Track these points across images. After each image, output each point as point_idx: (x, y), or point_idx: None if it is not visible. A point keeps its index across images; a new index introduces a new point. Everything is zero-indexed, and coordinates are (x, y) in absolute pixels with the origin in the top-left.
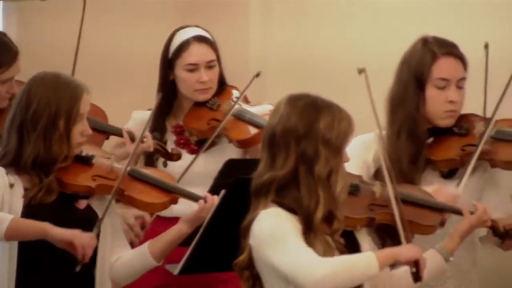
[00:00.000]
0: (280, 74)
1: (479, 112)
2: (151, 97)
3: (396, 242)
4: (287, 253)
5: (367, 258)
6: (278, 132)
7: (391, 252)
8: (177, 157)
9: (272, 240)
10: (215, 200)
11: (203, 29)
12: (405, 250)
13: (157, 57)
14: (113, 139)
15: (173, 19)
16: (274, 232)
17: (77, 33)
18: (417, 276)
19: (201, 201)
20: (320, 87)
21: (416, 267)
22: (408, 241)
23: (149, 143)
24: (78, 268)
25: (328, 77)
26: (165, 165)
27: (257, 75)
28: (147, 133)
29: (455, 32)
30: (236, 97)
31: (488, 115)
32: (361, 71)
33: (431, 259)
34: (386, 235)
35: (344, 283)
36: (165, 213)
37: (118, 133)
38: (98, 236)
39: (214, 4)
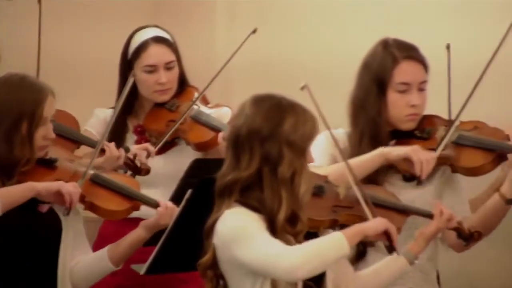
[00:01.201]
0: (246, 76)
1: (444, 113)
2: (113, 98)
3: (359, 243)
4: (254, 248)
5: (336, 239)
6: (242, 133)
7: (358, 228)
8: (146, 172)
9: (237, 237)
10: (175, 209)
11: (162, 29)
12: (372, 224)
13: (118, 57)
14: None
15: (139, 20)
16: (239, 229)
17: (42, 34)
18: (390, 248)
19: (160, 209)
20: (285, 89)
21: (387, 239)
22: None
23: (121, 156)
24: (66, 213)
25: (293, 78)
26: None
27: (254, 31)
28: (112, 145)
29: (417, 34)
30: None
31: (453, 115)
32: (303, 87)
33: (396, 261)
34: None
35: (316, 268)
36: None
37: (90, 143)
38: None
39: (180, 6)
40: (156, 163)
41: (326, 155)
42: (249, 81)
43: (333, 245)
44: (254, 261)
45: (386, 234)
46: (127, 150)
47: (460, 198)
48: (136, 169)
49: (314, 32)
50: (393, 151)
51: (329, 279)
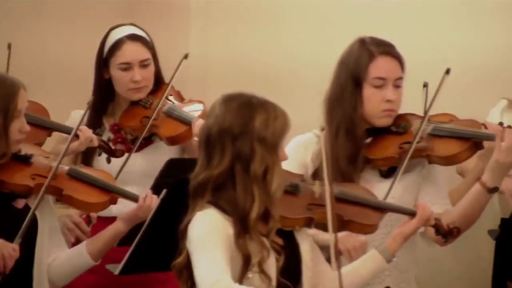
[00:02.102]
0: (221, 76)
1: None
2: (88, 97)
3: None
4: (201, 262)
5: None
6: (213, 132)
7: None
8: (121, 153)
9: (197, 245)
10: (154, 199)
11: (138, 27)
12: None
13: (93, 56)
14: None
15: (112, 20)
16: (200, 237)
17: (14, 32)
18: None
19: (140, 200)
20: (259, 89)
21: None
22: (336, 240)
23: (93, 138)
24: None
25: (267, 79)
26: (108, 161)
27: (186, 56)
28: (85, 128)
29: (393, 35)
30: (170, 94)
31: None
32: (323, 129)
33: (373, 259)
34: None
35: None
36: (104, 212)
37: (62, 129)
38: (21, 245)
39: (155, 6)
40: (133, 161)
41: (294, 165)
42: (225, 80)
43: None
44: (196, 273)
45: None
46: (99, 134)
47: (441, 192)
48: (111, 151)
49: (289, 32)
50: (321, 235)
51: (306, 277)
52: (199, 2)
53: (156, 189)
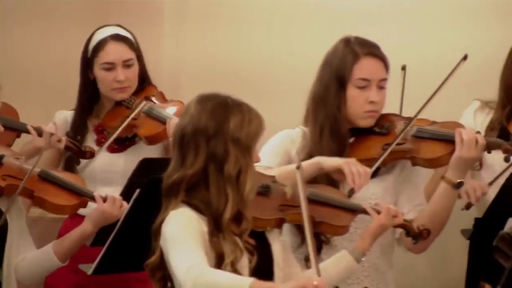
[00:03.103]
0: (194, 77)
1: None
2: (63, 98)
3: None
4: (176, 253)
5: (243, 284)
6: (188, 131)
7: (271, 285)
8: (90, 154)
9: (172, 241)
10: (124, 204)
11: (123, 28)
12: (287, 285)
13: (66, 58)
14: (24, 138)
15: (86, 21)
16: (175, 233)
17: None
18: None
19: (99, 202)
20: (233, 90)
21: None
22: (312, 241)
23: (61, 139)
24: None
25: (240, 79)
26: (77, 163)
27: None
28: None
29: (371, 36)
30: (153, 95)
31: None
32: (298, 167)
33: (343, 259)
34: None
35: None
36: (85, 211)
37: (26, 130)
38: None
39: (128, 6)
40: (116, 161)
41: (280, 152)
42: (198, 80)
43: (235, 286)
44: (173, 266)
45: None
46: (69, 134)
47: (419, 192)
48: (80, 152)
49: (262, 32)
50: (328, 161)
51: (278, 277)
52: (173, 2)
53: (129, 189)
